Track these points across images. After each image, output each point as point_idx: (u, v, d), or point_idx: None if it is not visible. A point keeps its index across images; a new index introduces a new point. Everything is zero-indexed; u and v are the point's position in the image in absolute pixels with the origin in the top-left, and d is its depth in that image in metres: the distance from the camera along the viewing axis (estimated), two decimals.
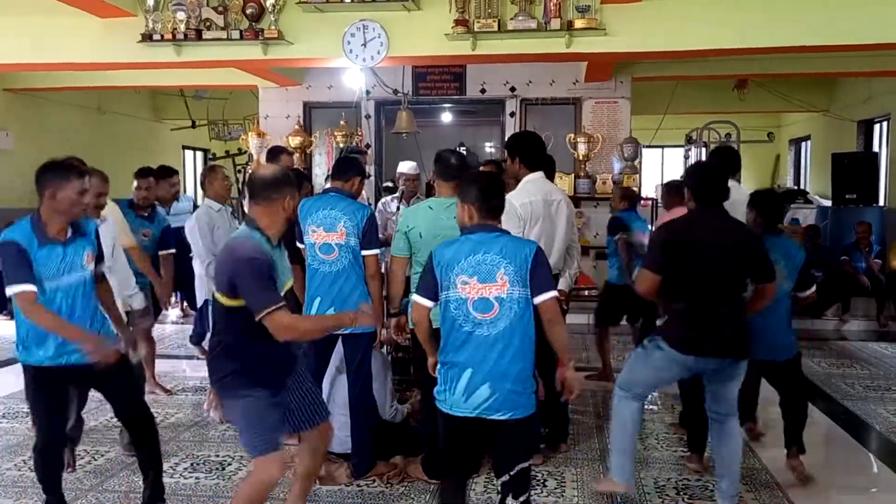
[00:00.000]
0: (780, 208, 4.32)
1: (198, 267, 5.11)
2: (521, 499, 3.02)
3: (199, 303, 5.17)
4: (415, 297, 3.13)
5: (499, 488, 3.97)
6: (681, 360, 3.53)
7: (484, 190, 3.04)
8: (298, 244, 4.18)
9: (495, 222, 3.06)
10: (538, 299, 2.92)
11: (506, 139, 9.13)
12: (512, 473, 2.99)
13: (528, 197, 4.29)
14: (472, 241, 2.97)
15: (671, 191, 5.33)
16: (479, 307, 2.91)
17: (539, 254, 2.94)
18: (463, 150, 10.00)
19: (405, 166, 5.97)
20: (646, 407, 5.61)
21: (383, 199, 6.35)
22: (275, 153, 5.76)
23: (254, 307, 2.88)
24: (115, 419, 4.87)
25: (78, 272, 3.33)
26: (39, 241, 3.23)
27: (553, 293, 2.96)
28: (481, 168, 5.74)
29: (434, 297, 3.02)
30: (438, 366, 3.07)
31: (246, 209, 8.08)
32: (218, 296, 3.00)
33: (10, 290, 3.15)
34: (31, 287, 3.15)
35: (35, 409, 3.48)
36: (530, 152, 4.48)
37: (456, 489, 3.17)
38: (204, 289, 5.06)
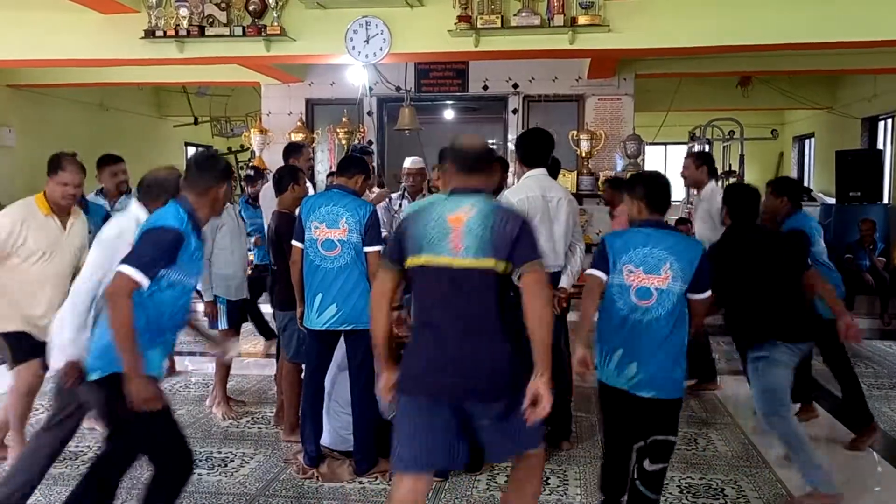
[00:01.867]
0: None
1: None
2: (657, 466, 3.26)
3: (207, 298, 5.12)
4: (590, 271, 3.32)
5: (503, 488, 3.99)
6: (793, 349, 3.82)
7: (652, 187, 3.32)
8: (295, 242, 4.16)
9: (661, 217, 3.33)
10: (695, 296, 3.24)
11: (508, 136, 9.23)
12: (647, 442, 3.27)
13: (525, 193, 4.28)
14: (643, 234, 3.25)
15: (615, 188, 5.29)
16: (640, 294, 3.18)
17: (704, 258, 3.22)
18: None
19: (408, 161, 5.96)
20: None
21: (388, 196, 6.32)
22: (296, 148, 5.79)
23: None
24: None
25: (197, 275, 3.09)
26: (196, 235, 2.96)
27: (707, 293, 3.27)
28: None
29: (608, 272, 3.25)
30: (597, 342, 3.32)
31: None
32: None
33: (125, 269, 2.73)
34: (145, 281, 2.76)
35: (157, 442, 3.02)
36: (529, 149, 4.48)
37: (616, 456, 3.42)
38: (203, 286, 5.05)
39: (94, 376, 2.91)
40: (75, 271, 3.73)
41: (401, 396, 2.76)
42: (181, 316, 3.03)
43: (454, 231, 2.65)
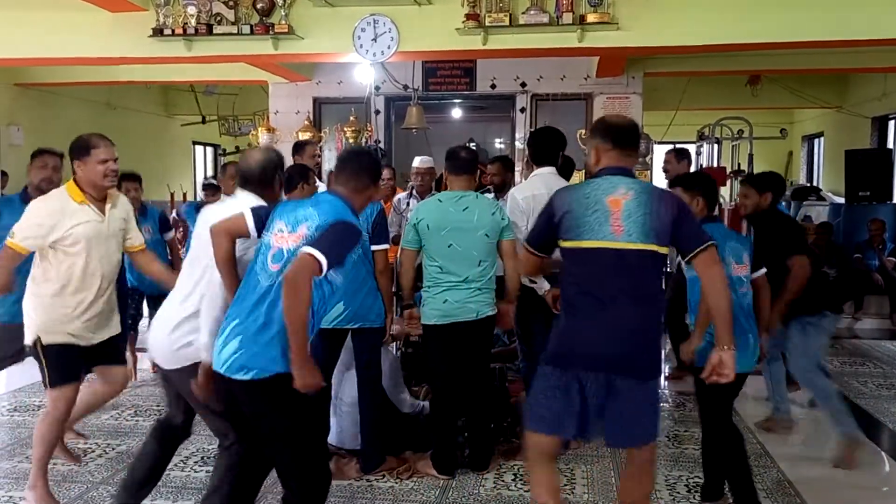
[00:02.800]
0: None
1: None
2: None
3: None
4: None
5: (509, 486, 3.98)
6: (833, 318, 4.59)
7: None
8: None
9: None
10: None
11: (516, 135, 9.21)
12: None
13: (531, 191, 4.28)
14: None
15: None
16: None
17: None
18: (473, 145, 9.99)
19: (417, 160, 5.96)
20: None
21: (397, 196, 6.33)
22: (301, 146, 5.81)
23: None
24: (127, 413, 4.88)
25: None
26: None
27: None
28: (489, 166, 5.74)
29: None
30: None
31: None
32: None
33: (313, 251, 2.66)
34: (325, 270, 2.70)
35: (301, 429, 2.87)
36: (539, 147, 4.49)
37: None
38: None
39: (244, 376, 2.73)
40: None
41: (550, 368, 2.81)
42: (320, 315, 2.90)
43: (613, 214, 2.70)
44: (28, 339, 3.55)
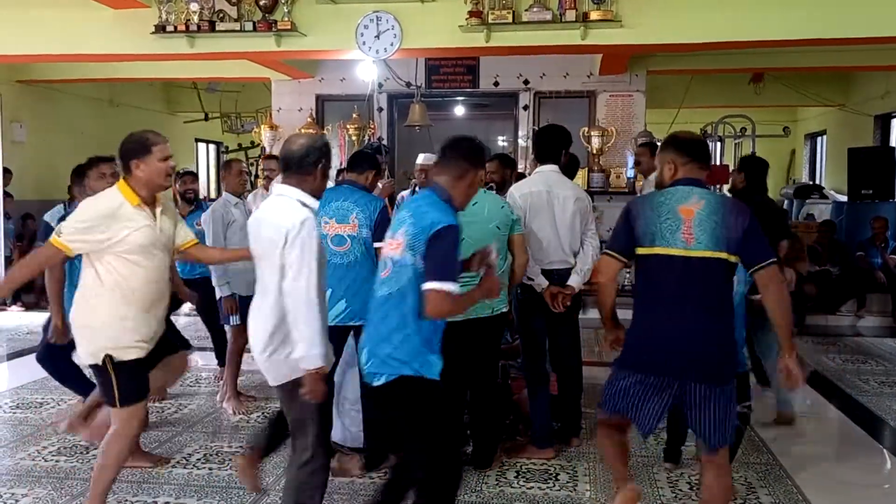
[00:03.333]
0: None
1: None
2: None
3: (224, 293, 5.12)
4: None
5: (512, 483, 3.99)
6: None
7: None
8: None
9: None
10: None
11: (519, 133, 9.20)
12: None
13: (529, 188, 4.29)
14: None
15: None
16: None
17: None
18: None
19: (421, 157, 5.96)
20: None
21: (400, 194, 6.34)
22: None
23: None
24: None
25: None
26: None
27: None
28: (487, 164, 5.72)
29: None
30: None
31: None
32: None
33: (442, 286, 2.65)
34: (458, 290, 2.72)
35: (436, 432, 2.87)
36: (541, 145, 4.50)
37: None
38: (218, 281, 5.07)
39: (377, 382, 2.81)
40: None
41: (624, 370, 2.98)
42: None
43: (685, 223, 2.83)
44: (91, 359, 3.26)
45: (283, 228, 2.81)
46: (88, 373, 4.53)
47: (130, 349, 3.26)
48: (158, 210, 3.36)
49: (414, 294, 2.72)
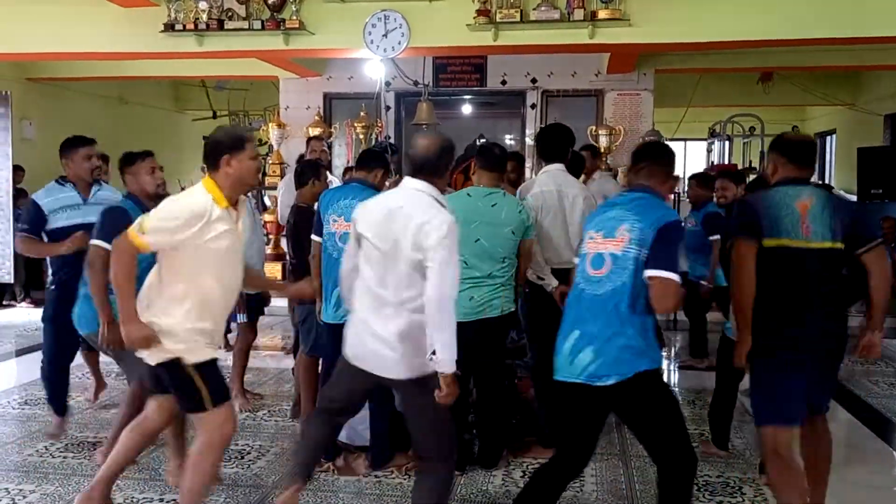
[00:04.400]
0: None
1: None
2: None
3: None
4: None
5: (518, 482, 3.98)
6: None
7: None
8: (315, 237, 4.18)
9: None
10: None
11: (526, 131, 9.19)
12: None
13: (539, 187, 4.28)
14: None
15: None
16: None
17: None
18: (483, 142, 9.97)
19: None
20: None
21: None
22: (307, 142, 5.93)
23: None
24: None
25: None
26: None
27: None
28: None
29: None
30: None
31: (267, 200, 8.06)
32: None
33: (671, 276, 2.81)
34: None
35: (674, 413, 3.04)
36: (547, 144, 4.48)
37: None
38: None
39: (606, 382, 2.86)
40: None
41: (769, 360, 3.11)
42: None
43: (803, 217, 3.03)
44: (158, 359, 3.06)
45: (427, 226, 2.81)
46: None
47: (206, 350, 3.09)
48: (241, 213, 3.15)
49: (640, 286, 2.83)
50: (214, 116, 12.87)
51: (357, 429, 4.24)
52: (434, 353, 2.77)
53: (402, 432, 4.24)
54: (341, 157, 9.38)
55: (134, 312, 2.97)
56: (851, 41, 6.45)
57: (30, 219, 4.33)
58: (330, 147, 9.24)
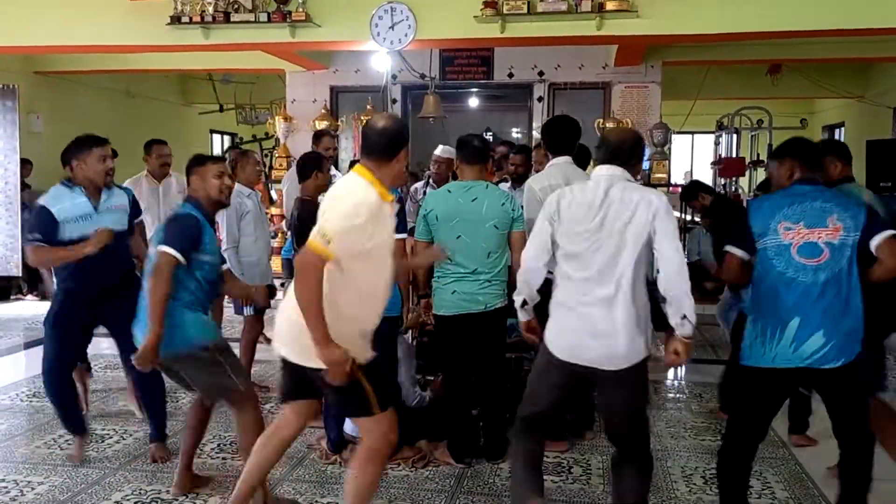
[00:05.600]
0: None
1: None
2: None
3: None
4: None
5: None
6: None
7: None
8: None
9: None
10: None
11: (533, 124, 9.16)
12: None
13: (548, 181, 4.23)
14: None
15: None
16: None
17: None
18: (489, 135, 9.96)
19: (438, 149, 5.95)
20: (673, 395, 5.58)
21: (413, 186, 6.32)
22: (317, 136, 5.91)
23: None
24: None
25: None
26: None
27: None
28: (512, 154, 5.69)
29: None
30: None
31: (274, 195, 8.07)
32: None
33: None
34: None
35: None
36: (555, 137, 4.43)
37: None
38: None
39: (835, 364, 3.03)
40: None
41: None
42: None
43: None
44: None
45: (652, 205, 2.88)
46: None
47: (368, 350, 2.96)
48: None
49: (855, 273, 3.03)
50: (221, 110, 12.88)
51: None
52: (684, 316, 2.85)
53: (408, 425, 4.26)
54: (348, 150, 9.38)
55: (328, 334, 2.71)
56: (860, 33, 6.41)
57: (42, 227, 3.82)
58: (336, 140, 9.24)
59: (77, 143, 4.01)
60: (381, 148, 2.86)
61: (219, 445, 4.40)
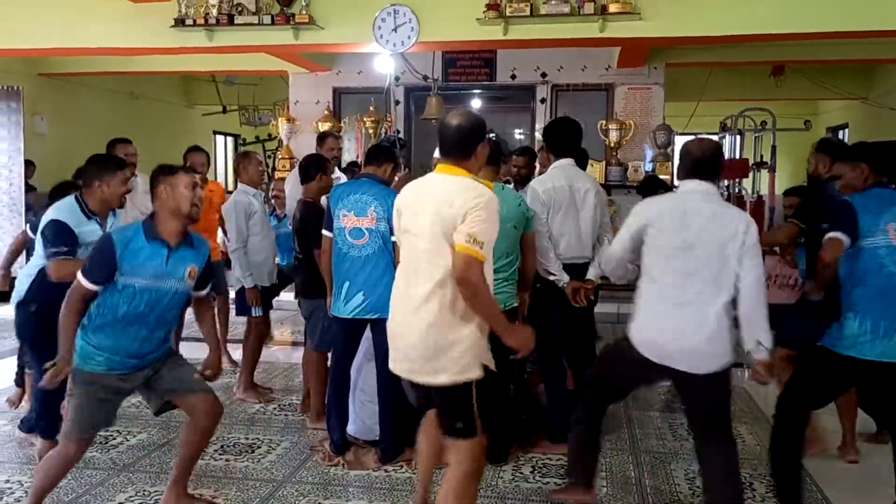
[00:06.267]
0: None
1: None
2: None
3: (248, 285, 5.14)
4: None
5: (528, 478, 3.98)
6: None
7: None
8: (325, 231, 4.18)
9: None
10: None
11: (536, 126, 9.16)
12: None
13: (552, 183, 4.26)
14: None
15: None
16: None
17: None
18: (492, 136, 9.95)
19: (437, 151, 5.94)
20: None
21: None
22: (322, 138, 5.90)
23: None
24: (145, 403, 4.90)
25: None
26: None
27: None
28: (516, 157, 5.70)
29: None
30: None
31: (275, 193, 8.04)
32: None
33: None
34: None
35: None
36: (557, 139, 4.45)
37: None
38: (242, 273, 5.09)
39: None
40: None
41: None
42: None
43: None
44: (469, 375, 2.83)
45: (742, 226, 2.98)
46: None
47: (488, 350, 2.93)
48: None
49: None
50: (224, 111, 12.90)
51: (367, 423, 4.25)
52: (760, 342, 2.94)
53: (411, 426, 4.26)
54: (350, 151, 9.39)
55: (507, 321, 2.85)
56: (864, 34, 6.40)
57: (64, 238, 3.71)
58: (340, 142, 9.24)
59: (100, 165, 3.90)
60: (460, 143, 2.87)
61: (222, 447, 4.41)
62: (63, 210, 3.82)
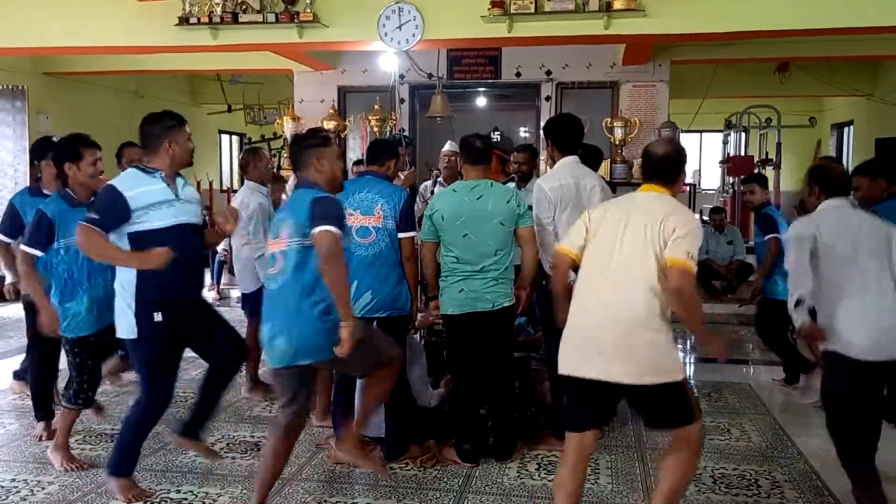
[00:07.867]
0: None
1: (243, 249, 5.11)
2: None
3: (244, 290, 5.15)
4: None
5: (533, 475, 3.98)
6: None
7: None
8: None
9: None
10: None
11: (541, 124, 9.14)
12: None
13: (558, 181, 4.22)
14: None
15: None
16: None
17: None
18: (497, 134, 9.95)
19: (448, 145, 5.96)
20: None
21: (423, 184, 6.33)
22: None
23: None
24: None
25: None
26: None
27: None
28: (516, 153, 5.70)
29: None
30: None
31: (283, 196, 8.04)
32: None
33: None
34: None
35: None
36: (563, 135, 4.41)
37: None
38: (246, 272, 5.10)
39: None
40: None
41: None
42: None
43: None
44: (676, 374, 2.97)
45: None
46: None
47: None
48: None
49: None
50: (229, 110, 12.91)
51: (372, 420, 4.25)
52: None
53: (416, 424, 4.27)
54: (355, 150, 9.39)
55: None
56: (869, 31, 6.37)
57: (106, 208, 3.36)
58: (344, 140, 9.25)
59: (173, 120, 3.57)
60: (668, 171, 3.11)
61: (228, 444, 4.41)
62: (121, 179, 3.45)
